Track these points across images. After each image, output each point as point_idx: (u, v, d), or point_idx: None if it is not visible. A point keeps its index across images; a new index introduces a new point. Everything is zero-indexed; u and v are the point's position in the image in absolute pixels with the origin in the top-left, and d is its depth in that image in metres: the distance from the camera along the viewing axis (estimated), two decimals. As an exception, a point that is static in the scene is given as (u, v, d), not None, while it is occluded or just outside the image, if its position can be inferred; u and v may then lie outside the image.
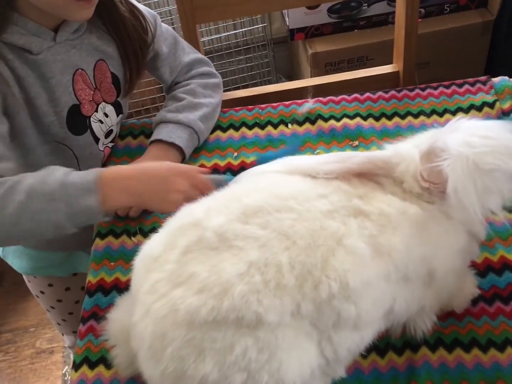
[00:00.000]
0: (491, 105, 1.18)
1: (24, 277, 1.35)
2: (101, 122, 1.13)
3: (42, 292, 1.35)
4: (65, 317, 1.40)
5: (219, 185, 0.92)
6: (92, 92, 1.10)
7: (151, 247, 0.76)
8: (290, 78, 2.60)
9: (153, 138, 1.15)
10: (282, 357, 0.68)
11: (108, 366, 0.90)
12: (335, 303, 0.69)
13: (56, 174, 0.88)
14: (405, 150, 0.81)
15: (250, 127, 1.24)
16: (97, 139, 1.14)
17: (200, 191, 0.90)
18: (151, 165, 0.97)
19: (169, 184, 0.92)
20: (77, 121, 1.08)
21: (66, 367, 2.01)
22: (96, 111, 1.11)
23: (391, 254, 0.73)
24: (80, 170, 1.09)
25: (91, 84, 1.09)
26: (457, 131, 0.75)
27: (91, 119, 1.11)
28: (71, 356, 1.99)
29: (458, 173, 0.70)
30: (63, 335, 1.54)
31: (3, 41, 0.97)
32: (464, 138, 0.72)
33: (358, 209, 0.75)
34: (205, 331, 0.66)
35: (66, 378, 1.98)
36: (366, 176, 0.79)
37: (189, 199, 0.84)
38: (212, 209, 0.75)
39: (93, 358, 0.92)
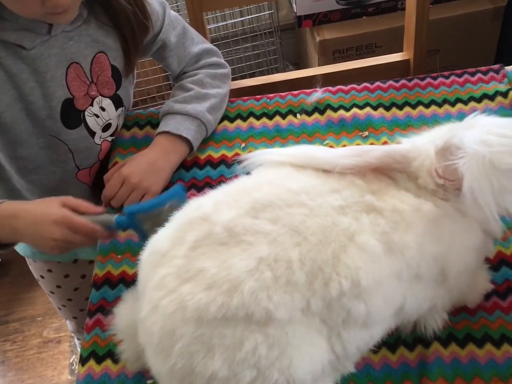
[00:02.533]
0: (504, 94, 1.16)
1: (27, 260, 1.35)
2: (97, 116, 1.11)
3: (42, 277, 1.35)
4: (65, 303, 1.41)
5: (108, 225, 0.95)
6: (87, 86, 1.08)
7: (159, 242, 0.75)
8: (297, 65, 2.57)
9: (160, 129, 1.13)
10: (293, 353, 0.67)
11: (115, 360, 0.89)
12: (345, 300, 0.68)
13: None
14: (422, 145, 0.79)
15: (258, 117, 1.22)
16: (92, 133, 1.12)
17: (79, 234, 0.93)
18: (37, 207, 0.96)
19: (45, 232, 0.93)
20: (71, 115, 1.07)
21: (73, 356, 2.02)
22: (91, 105, 1.10)
23: (403, 252, 0.71)
24: (75, 163, 1.11)
25: (87, 78, 1.08)
26: (473, 128, 0.73)
27: (86, 113, 1.09)
28: (78, 345, 1.99)
29: (474, 172, 0.69)
30: (66, 320, 1.55)
31: None
32: (481, 136, 0.70)
33: (371, 205, 0.73)
34: (214, 327, 0.65)
35: (73, 367, 1.99)
36: (381, 170, 0.77)
37: (68, 243, 0.93)
38: (221, 203, 0.73)
39: (100, 352, 0.91)
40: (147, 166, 1.08)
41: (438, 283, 0.76)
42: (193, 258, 0.69)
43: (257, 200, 0.72)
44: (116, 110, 1.16)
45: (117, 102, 1.15)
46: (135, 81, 1.26)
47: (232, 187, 0.78)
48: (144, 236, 0.94)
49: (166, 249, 0.72)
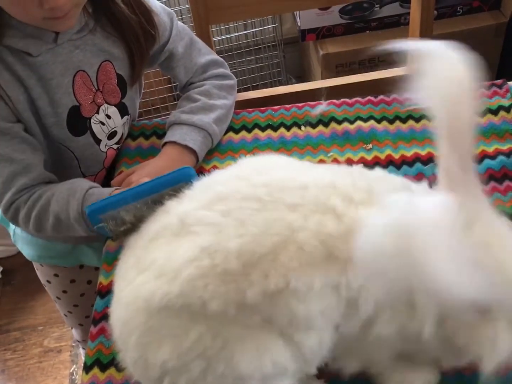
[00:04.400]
0: (507, 109, 1.17)
1: (34, 265, 1.37)
2: (102, 123, 1.13)
3: (48, 282, 1.36)
4: (71, 309, 1.42)
5: None
6: (93, 94, 1.09)
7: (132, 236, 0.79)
8: (301, 79, 2.59)
9: (167, 139, 1.14)
10: (235, 346, 0.67)
11: (120, 368, 0.89)
12: (286, 298, 0.66)
13: (73, 205, 1.00)
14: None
15: (263, 129, 1.23)
16: (98, 140, 1.13)
17: None
18: None
19: None
20: (77, 122, 1.08)
21: (74, 366, 2.01)
22: (97, 112, 1.11)
23: (346, 265, 0.67)
24: (81, 170, 1.13)
25: (93, 86, 1.09)
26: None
27: (92, 120, 1.10)
28: (79, 354, 1.99)
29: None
30: (72, 328, 1.55)
31: (3, 44, 0.98)
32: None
33: (333, 208, 0.69)
34: (163, 317, 0.67)
35: (73, 377, 1.98)
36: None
37: None
38: (186, 196, 0.76)
39: (104, 360, 0.92)
40: (155, 175, 1.08)
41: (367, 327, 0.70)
42: (149, 249, 0.72)
43: (218, 193, 0.72)
44: (122, 118, 1.17)
45: (123, 110, 1.16)
46: (142, 91, 1.27)
47: (203, 181, 0.79)
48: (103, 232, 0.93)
49: (132, 241, 0.76)
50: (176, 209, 0.73)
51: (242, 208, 0.69)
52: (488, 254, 0.60)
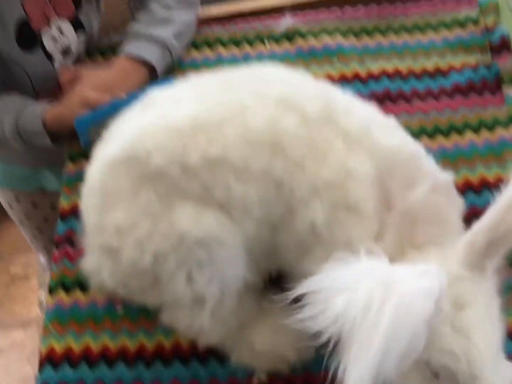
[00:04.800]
0: (475, 21, 1.14)
1: None
2: (55, 39, 1.06)
3: (10, 206, 1.34)
4: (35, 234, 1.41)
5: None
6: (43, 7, 1.02)
7: None
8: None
9: (122, 51, 1.08)
10: (176, 207, 0.69)
11: (85, 290, 0.89)
12: (224, 170, 0.69)
13: (8, 122, 1.00)
14: None
15: (225, 46, 1.18)
16: (50, 58, 1.07)
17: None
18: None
19: None
20: (27, 36, 1.02)
21: (42, 291, 2.01)
22: (49, 27, 1.05)
23: (296, 167, 0.69)
24: (34, 89, 1.08)
25: None
26: None
27: (43, 35, 1.04)
28: (47, 280, 1.98)
29: None
30: (40, 255, 1.55)
31: None
32: None
33: (302, 111, 0.70)
34: (116, 178, 0.72)
35: (41, 300, 1.99)
36: None
37: None
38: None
39: (68, 283, 0.91)
40: (104, 88, 1.02)
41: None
42: (118, 126, 0.78)
43: (192, 83, 0.78)
44: (76, 35, 1.10)
45: (77, 26, 1.10)
46: (102, 9, 1.20)
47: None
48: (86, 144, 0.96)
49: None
50: (152, 93, 0.78)
51: (207, 89, 0.75)
52: (463, 344, 0.59)
